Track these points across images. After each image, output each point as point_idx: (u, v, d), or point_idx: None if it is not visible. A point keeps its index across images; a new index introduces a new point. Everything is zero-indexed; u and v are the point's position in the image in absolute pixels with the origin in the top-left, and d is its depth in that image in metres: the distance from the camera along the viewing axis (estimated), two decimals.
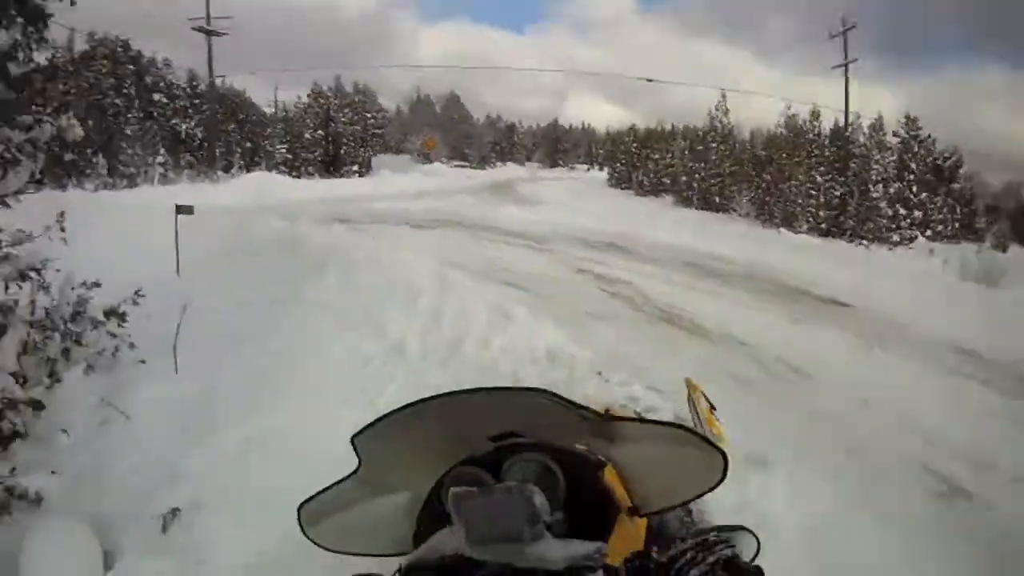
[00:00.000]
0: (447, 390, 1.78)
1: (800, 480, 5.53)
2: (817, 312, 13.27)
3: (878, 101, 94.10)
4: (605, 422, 1.82)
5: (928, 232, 34.50)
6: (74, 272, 6.02)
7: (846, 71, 37.70)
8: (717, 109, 43.05)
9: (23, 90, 5.26)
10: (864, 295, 15.25)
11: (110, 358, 6.08)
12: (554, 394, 1.72)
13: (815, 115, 37.88)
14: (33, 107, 5.45)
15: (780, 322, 12.05)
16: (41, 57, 5.32)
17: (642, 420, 2.09)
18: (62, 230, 5.84)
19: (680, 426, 1.83)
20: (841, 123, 38.18)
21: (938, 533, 5.38)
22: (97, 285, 6.13)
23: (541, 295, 11.15)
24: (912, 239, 33.71)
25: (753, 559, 1.96)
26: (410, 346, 6.46)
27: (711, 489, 1.75)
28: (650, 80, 48.86)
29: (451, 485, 1.61)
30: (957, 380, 9.93)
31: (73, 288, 5.99)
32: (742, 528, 2.11)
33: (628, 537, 1.80)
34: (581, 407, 1.77)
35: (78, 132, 5.38)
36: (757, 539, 2.08)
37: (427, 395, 1.77)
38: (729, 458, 1.66)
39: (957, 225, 36.27)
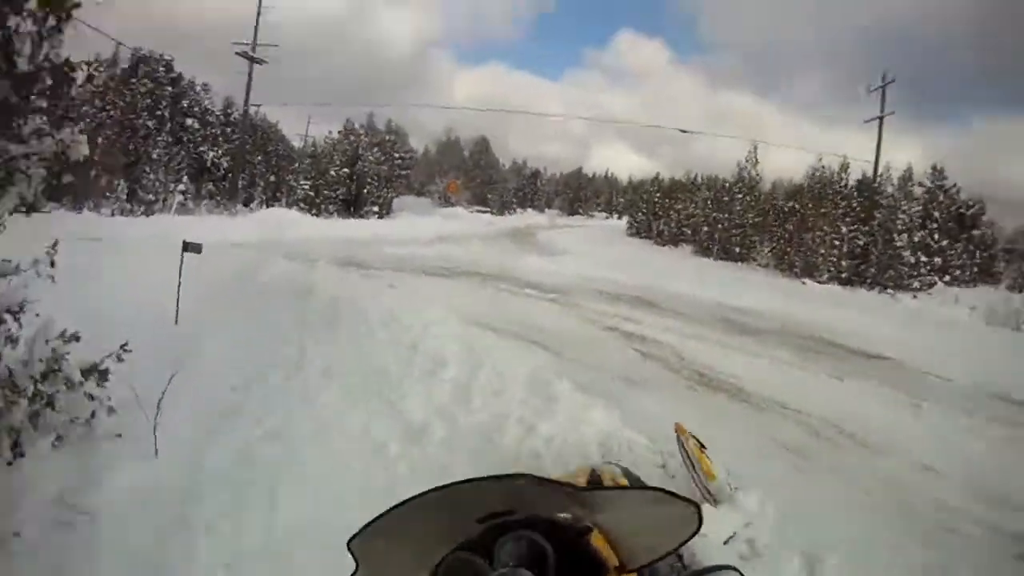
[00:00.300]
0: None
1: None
2: (857, 368, 12.80)
3: (905, 153, 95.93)
4: (585, 493, 1.83)
5: (947, 277, 35.75)
6: (55, 319, 5.16)
7: (880, 124, 37.93)
8: (747, 160, 43.48)
9: (30, 93, 4.54)
10: (900, 347, 15.02)
11: (85, 427, 5.23)
12: (535, 477, 1.70)
13: (844, 167, 38.48)
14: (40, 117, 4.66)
15: (822, 380, 11.59)
16: (58, 55, 4.58)
17: (620, 487, 2.20)
18: (51, 264, 5.08)
19: (656, 488, 1.77)
20: (868, 174, 38.60)
21: None
22: (76, 339, 5.25)
23: (572, 358, 10.21)
24: (931, 285, 34.76)
25: None
26: (432, 430, 5.54)
27: (690, 539, 1.76)
28: (684, 131, 48.97)
29: (445, 574, 1.69)
30: (1013, 433, 9.68)
31: (48, 341, 5.11)
32: (729, 567, 1.92)
33: None
34: (563, 484, 1.77)
35: (83, 150, 4.69)
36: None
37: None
38: (702, 509, 1.67)
39: (975, 270, 37.94)
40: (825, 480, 7.14)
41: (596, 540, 1.87)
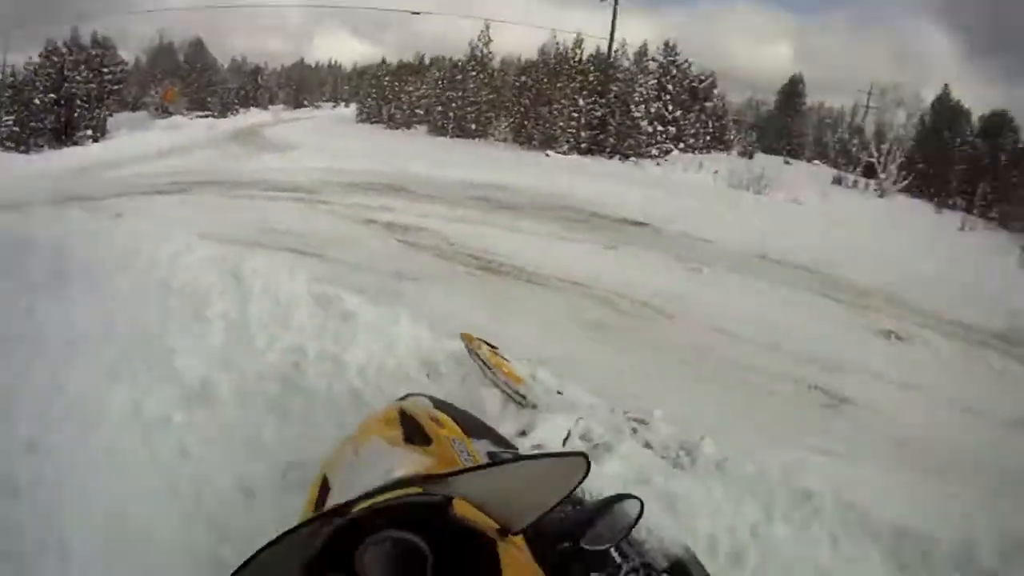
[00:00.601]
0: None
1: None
2: (626, 236, 13.28)
3: (640, 31, 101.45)
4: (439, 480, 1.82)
5: (681, 145, 38.95)
6: None
7: (616, 2, 38.84)
8: (479, 39, 43.55)
9: None
10: (659, 213, 15.60)
11: None
12: (373, 492, 1.69)
13: (578, 43, 39.80)
14: None
15: (597, 251, 11.92)
16: None
17: (483, 466, 1.94)
18: None
19: (524, 456, 2.03)
20: (605, 51, 40.01)
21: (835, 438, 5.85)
22: None
23: (340, 261, 9.63)
24: (668, 152, 37.52)
25: (637, 520, 2.14)
26: (217, 386, 4.41)
27: (579, 485, 1.80)
28: (415, 12, 47.83)
29: None
30: (790, 293, 10.69)
31: None
32: (628, 496, 2.20)
33: (516, 561, 1.81)
34: (403, 481, 1.77)
35: None
36: (641, 502, 2.18)
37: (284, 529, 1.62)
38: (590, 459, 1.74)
39: (708, 138, 41.58)
40: (636, 352, 7.32)
41: (461, 509, 1.81)
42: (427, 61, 51.79)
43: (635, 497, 2.21)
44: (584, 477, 1.76)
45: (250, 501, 3.42)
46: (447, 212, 14.13)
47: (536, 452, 2.28)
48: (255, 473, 3.59)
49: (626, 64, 39.91)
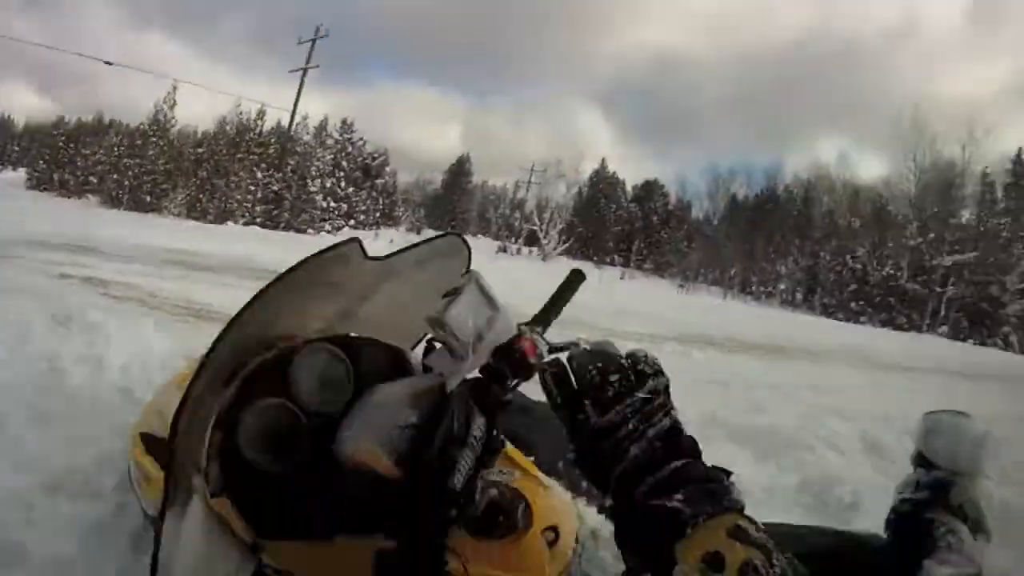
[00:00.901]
0: None
1: None
2: None
3: (321, 105, 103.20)
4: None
5: (352, 222, 41.20)
6: None
7: (304, 75, 39.95)
8: (165, 102, 42.37)
9: None
10: None
11: None
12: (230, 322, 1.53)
13: (260, 114, 40.39)
14: None
15: None
16: None
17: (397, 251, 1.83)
18: None
19: (393, 253, 1.79)
20: (285, 123, 40.82)
21: None
22: None
23: (41, 311, 9.38)
24: (340, 228, 39.44)
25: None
26: None
27: (467, 267, 1.84)
28: (109, 63, 45.44)
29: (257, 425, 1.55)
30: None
31: None
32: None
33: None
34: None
35: None
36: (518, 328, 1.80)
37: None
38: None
39: (379, 215, 44.76)
40: None
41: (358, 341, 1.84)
42: (107, 121, 49.52)
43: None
44: (468, 258, 1.84)
45: (31, 517, 3.02)
46: (143, 269, 14.35)
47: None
48: (28, 487, 3.20)
49: (306, 138, 41.53)
